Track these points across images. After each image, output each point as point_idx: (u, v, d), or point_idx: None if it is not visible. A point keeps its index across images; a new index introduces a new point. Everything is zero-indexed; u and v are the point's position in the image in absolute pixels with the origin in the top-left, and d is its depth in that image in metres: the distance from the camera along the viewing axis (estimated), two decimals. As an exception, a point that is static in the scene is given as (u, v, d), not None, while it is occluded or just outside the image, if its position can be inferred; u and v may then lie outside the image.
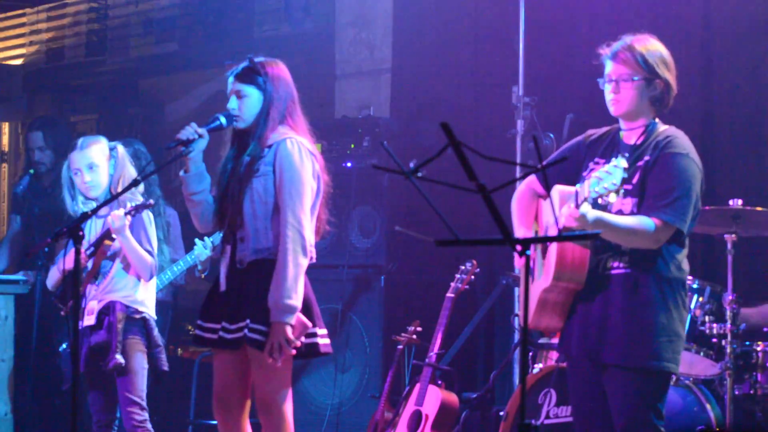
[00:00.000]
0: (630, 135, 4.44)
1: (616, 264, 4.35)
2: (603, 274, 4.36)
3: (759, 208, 5.62)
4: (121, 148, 5.61)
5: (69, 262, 5.17)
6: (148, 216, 5.54)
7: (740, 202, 5.60)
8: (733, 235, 5.64)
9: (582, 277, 4.34)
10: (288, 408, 4.75)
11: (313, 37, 8.80)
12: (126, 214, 5.33)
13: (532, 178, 4.62)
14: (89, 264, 5.46)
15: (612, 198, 4.05)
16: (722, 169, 6.62)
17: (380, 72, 8.31)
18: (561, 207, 4.26)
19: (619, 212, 4.34)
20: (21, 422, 7.52)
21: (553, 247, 4.33)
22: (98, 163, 5.52)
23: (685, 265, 4.43)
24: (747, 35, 6.74)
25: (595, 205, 4.16)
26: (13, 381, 7.21)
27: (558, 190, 4.36)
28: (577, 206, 4.15)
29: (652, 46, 4.42)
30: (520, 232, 4.59)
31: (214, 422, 7.40)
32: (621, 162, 4.01)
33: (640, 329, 4.31)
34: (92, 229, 5.55)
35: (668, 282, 4.34)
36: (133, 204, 5.38)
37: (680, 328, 4.38)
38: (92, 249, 5.43)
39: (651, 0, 6.88)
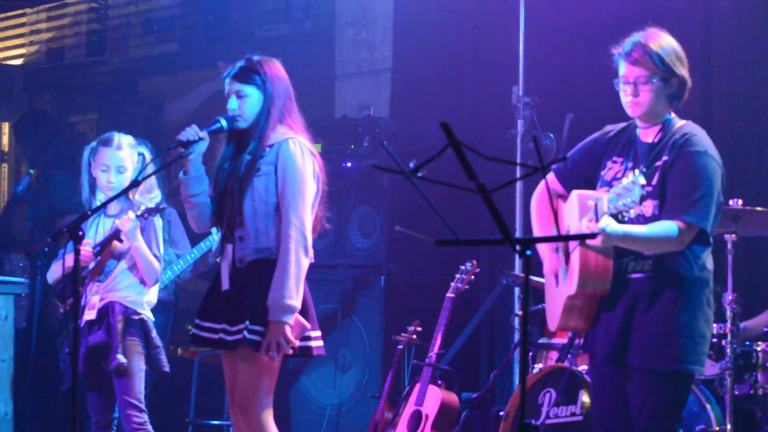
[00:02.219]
0: (647, 133, 4.39)
1: (638, 268, 4.31)
2: (625, 278, 4.32)
3: (759, 208, 5.61)
4: (147, 153, 5.59)
5: (70, 260, 5.18)
6: (159, 221, 5.53)
7: (740, 202, 5.60)
8: (733, 235, 5.63)
9: (607, 284, 4.29)
10: (266, 412, 4.71)
11: (313, 37, 8.81)
12: (137, 217, 5.32)
13: (551, 178, 4.57)
14: (92, 264, 5.45)
15: (632, 213, 4.05)
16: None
17: (380, 72, 8.31)
18: (581, 214, 4.24)
19: (641, 216, 4.30)
20: (21, 422, 7.52)
21: (576, 255, 4.29)
22: (128, 166, 5.49)
23: (710, 264, 4.37)
24: (747, 35, 6.74)
25: (614, 218, 4.14)
26: (13, 381, 7.20)
27: (577, 194, 4.33)
28: (597, 220, 4.13)
29: (665, 42, 4.35)
30: (538, 232, 4.57)
31: (214, 422, 7.44)
32: (639, 179, 3.98)
33: (664, 331, 4.27)
34: (101, 228, 5.54)
35: (692, 282, 4.30)
36: (144, 207, 5.37)
37: (705, 328, 4.32)
38: (98, 248, 5.43)
39: (651, 0, 6.87)
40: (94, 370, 5.46)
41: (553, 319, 4.51)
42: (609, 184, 4.31)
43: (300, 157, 4.73)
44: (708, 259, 4.36)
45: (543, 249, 4.51)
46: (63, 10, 10.61)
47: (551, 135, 6.80)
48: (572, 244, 4.32)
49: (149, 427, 5.47)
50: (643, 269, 4.31)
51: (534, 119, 6.82)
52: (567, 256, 4.39)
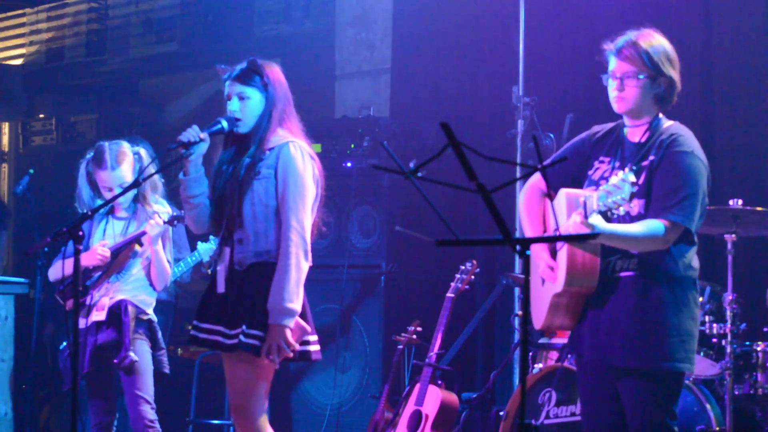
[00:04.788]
0: (634, 132, 4.41)
1: (624, 266, 4.33)
2: (612, 277, 4.33)
3: (759, 208, 5.62)
4: (143, 152, 5.59)
5: (85, 260, 5.23)
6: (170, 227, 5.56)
7: (740, 202, 5.60)
8: (733, 235, 5.64)
9: (594, 282, 4.31)
10: (262, 416, 4.72)
11: (313, 37, 8.81)
12: (165, 223, 5.35)
13: (537, 177, 4.59)
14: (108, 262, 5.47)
15: (621, 211, 4.07)
16: (722, 169, 6.62)
17: (380, 72, 8.31)
18: (569, 212, 4.24)
19: (627, 215, 4.31)
20: (21, 422, 7.52)
21: (563, 253, 4.30)
22: (129, 179, 5.49)
23: (695, 263, 4.38)
24: (747, 36, 6.74)
25: (603, 216, 4.15)
26: (13, 381, 7.20)
27: (565, 193, 4.33)
28: (586, 217, 4.14)
29: (656, 42, 4.38)
30: (528, 232, 4.57)
31: (215, 422, 7.44)
32: (629, 176, 3.99)
33: (651, 330, 4.28)
34: (109, 230, 5.54)
35: (678, 281, 4.31)
36: (171, 215, 5.40)
37: (693, 327, 4.33)
38: (117, 250, 5.45)
39: (651, 0, 6.88)
40: (98, 370, 5.45)
41: (539, 318, 4.52)
42: (596, 184, 4.32)
43: (300, 160, 4.72)
44: (693, 258, 4.38)
45: (537, 250, 4.52)
46: (63, 10, 10.61)
47: (551, 135, 6.80)
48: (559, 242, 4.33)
49: (158, 426, 5.46)
50: (630, 267, 4.32)
51: (534, 119, 6.83)
52: (553, 254, 4.39)
